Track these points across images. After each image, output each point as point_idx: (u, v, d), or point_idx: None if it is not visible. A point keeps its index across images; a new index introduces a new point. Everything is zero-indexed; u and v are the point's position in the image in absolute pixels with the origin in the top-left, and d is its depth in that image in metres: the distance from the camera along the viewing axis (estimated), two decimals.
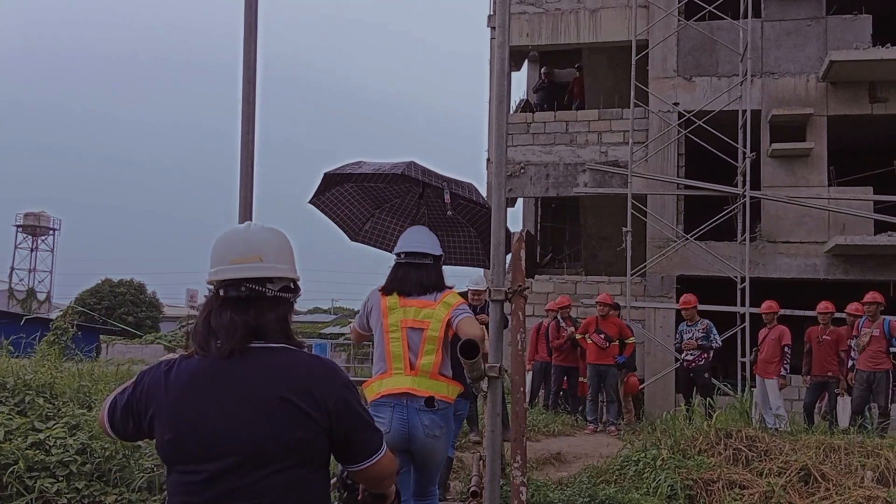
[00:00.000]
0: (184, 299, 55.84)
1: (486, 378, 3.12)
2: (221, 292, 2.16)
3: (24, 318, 20.17)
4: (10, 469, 5.41)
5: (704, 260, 15.03)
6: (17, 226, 70.04)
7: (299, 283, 2.28)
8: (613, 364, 11.44)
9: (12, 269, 68.52)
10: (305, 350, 2.19)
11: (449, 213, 4.85)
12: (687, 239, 15.12)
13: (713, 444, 7.74)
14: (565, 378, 12.31)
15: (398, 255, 4.14)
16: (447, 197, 4.74)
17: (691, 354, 11.18)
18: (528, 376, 11.92)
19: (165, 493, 2.24)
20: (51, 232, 71.29)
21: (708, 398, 9.67)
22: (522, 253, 3.05)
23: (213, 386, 2.08)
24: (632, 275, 14.96)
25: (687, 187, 15.77)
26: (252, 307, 2.14)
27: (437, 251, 4.21)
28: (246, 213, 3.64)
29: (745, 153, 14.91)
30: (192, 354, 2.15)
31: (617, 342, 11.44)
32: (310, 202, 5.03)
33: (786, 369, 10.98)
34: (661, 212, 15.59)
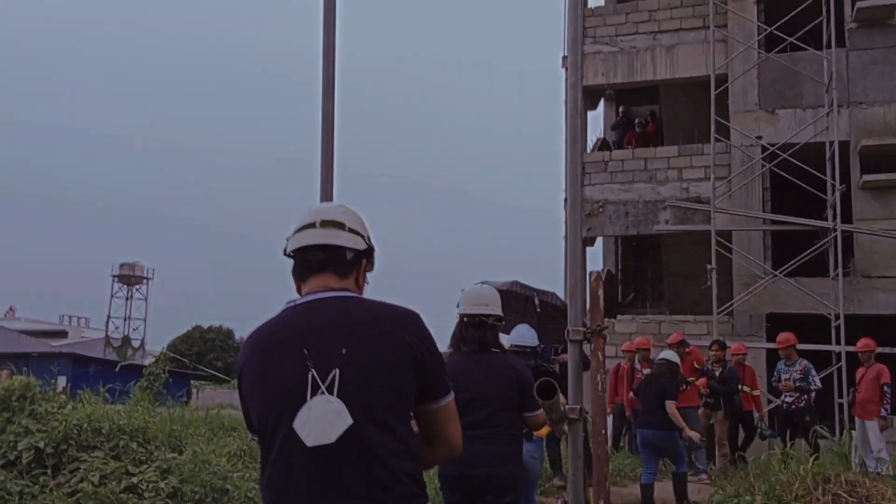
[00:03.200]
0: None
1: (567, 420, 3.07)
2: (465, 320, 4.20)
3: (120, 364, 20.91)
4: None
5: (795, 297, 14.52)
6: (114, 276, 73.07)
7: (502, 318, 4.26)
8: (694, 406, 11.00)
9: (108, 317, 71.38)
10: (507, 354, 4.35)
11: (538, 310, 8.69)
12: (775, 275, 14.65)
13: (810, 489, 7.40)
14: None
15: (511, 345, 5.68)
16: (537, 303, 8.72)
17: (790, 396, 10.74)
18: (609, 419, 11.68)
19: None
20: (144, 281, 74.12)
21: (810, 441, 9.31)
22: (600, 292, 3.01)
23: (466, 367, 4.06)
24: (718, 313, 14.56)
25: (774, 222, 15.34)
26: (482, 328, 4.15)
27: (535, 342, 6.17)
28: None
29: (834, 186, 14.45)
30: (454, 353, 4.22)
31: (694, 381, 11.01)
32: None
33: (886, 409, 10.44)
34: (748, 248, 15.18)
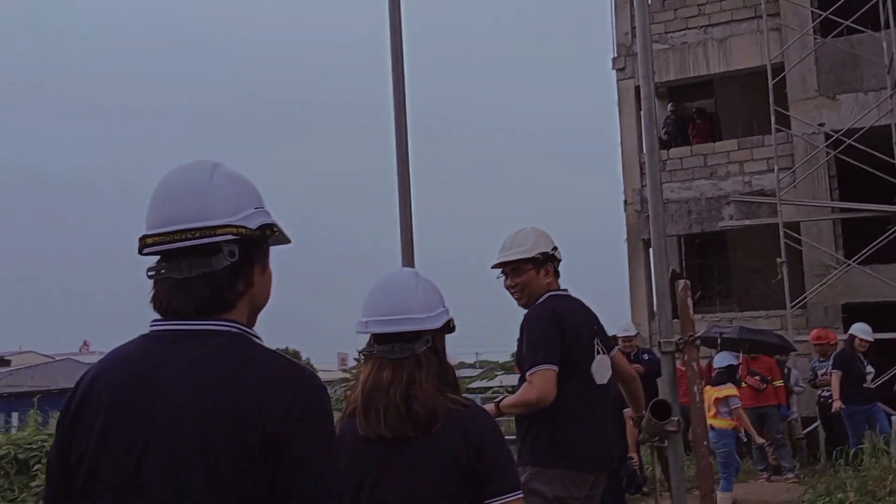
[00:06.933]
0: (335, 363, 57.48)
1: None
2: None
3: None
4: None
5: (871, 285, 14.10)
6: None
7: None
8: (775, 405, 10.77)
9: None
10: None
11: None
12: (849, 265, 14.27)
13: None
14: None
15: None
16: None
17: (828, 391, 10.55)
18: None
19: None
20: None
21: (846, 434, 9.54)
22: (689, 301, 2.99)
23: None
24: (792, 307, 14.22)
25: (843, 210, 14.95)
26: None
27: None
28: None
29: None
30: None
31: (774, 383, 10.77)
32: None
33: None
34: (818, 238, 14.81)
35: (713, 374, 9.27)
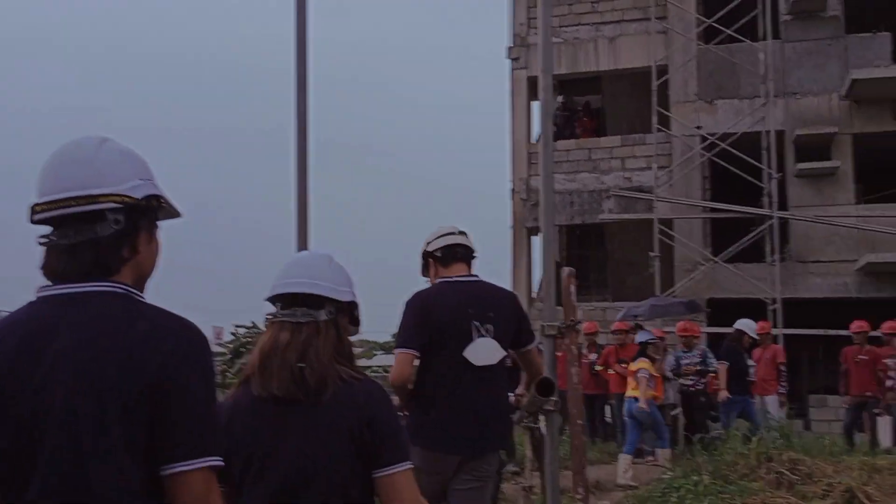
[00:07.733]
0: (210, 337, 56.10)
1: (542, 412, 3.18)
2: None
3: None
4: None
5: (734, 282, 14.97)
6: None
7: None
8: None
9: None
10: None
11: None
12: (715, 262, 15.08)
13: (754, 468, 7.67)
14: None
15: None
16: None
17: (690, 379, 11.18)
18: None
19: None
20: None
21: (705, 422, 10.36)
22: (573, 288, 3.13)
23: None
24: None
25: (713, 210, 15.76)
26: None
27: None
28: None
29: (770, 174, 14.90)
30: None
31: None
32: None
33: (783, 387, 11.01)
34: (689, 235, 15.57)
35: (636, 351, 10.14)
